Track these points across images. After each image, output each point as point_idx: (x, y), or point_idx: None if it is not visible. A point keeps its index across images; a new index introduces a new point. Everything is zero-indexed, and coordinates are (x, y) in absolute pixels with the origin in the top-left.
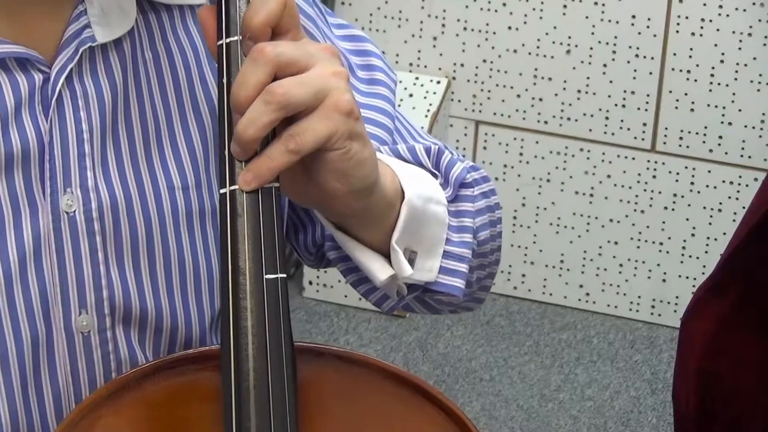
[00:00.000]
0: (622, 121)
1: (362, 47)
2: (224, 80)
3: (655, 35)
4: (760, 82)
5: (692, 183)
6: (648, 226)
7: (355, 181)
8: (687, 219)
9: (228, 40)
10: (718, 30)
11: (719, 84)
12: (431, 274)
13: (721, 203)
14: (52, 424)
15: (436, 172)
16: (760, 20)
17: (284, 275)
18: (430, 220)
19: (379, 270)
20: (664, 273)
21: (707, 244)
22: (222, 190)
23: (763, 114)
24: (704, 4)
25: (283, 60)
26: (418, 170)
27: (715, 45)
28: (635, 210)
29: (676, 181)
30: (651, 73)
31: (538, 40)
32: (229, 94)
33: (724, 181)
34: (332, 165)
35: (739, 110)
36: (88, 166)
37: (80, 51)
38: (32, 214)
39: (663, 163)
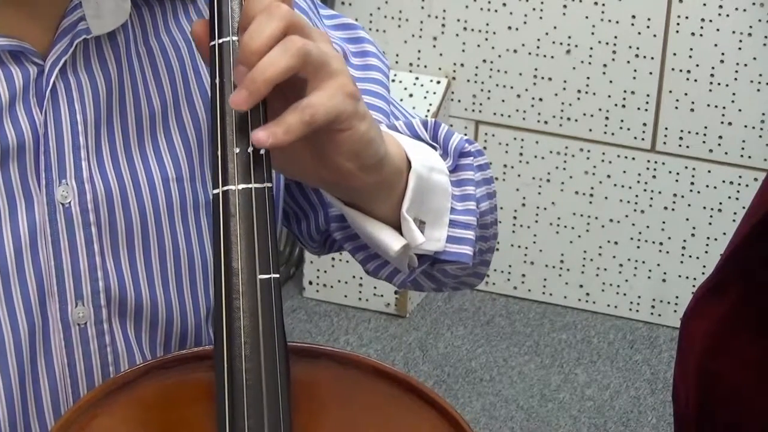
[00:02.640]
0: (622, 121)
1: (355, 35)
2: (216, 80)
3: (655, 35)
4: (760, 82)
5: (692, 183)
6: (648, 226)
7: (366, 158)
8: (687, 219)
9: (221, 41)
10: (718, 30)
11: (719, 84)
12: (440, 244)
13: (721, 203)
14: (48, 415)
15: (435, 144)
16: (760, 20)
17: (277, 275)
18: (435, 190)
19: (392, 241)
20: (664, 273)
21: (707, 244)
22: (215, 191)
23: (763, 114)
24: (704, 4)
25: (295, 20)
26: (417, 142)
27: (715, 45)
28: (635, 210)
29: (676, 181)
30: (651, 73)
31: (538, 40)
32: (222, 94)
33: (724, 181)
34: (343, 147)
35: (739, 110)
36: (83, 157)
37: (74, 43)
38: (28, 206)
39: (663, 163)
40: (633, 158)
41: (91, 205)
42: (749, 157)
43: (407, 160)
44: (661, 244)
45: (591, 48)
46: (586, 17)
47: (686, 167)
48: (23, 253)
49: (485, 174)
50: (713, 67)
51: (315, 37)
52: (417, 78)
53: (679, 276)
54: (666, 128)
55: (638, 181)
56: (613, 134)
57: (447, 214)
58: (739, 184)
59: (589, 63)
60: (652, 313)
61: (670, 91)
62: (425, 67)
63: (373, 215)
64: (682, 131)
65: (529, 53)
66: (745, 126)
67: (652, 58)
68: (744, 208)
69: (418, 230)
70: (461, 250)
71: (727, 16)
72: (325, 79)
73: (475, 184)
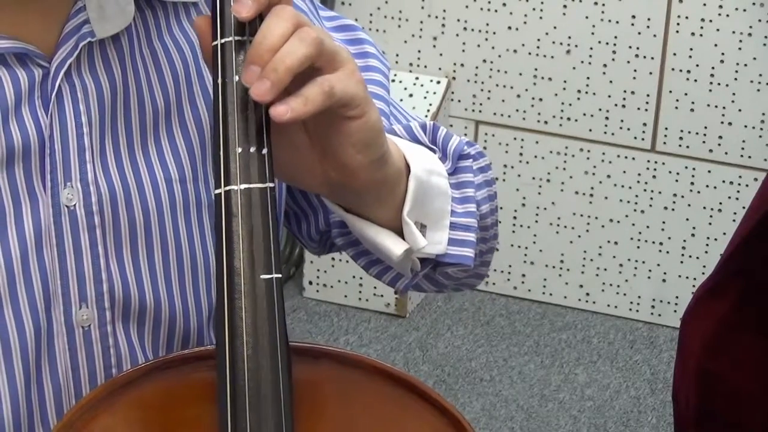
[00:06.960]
0: (622, 121)
1: (355, 36)
2: (219, 81)
3: (655, 35)
4: (760, 82)
5: (692, 183)
6: (648, 226)
7: (375, 149)
8: (687, 219)
9: (223, 41)
10: (718, 30)
11: (719, 84)
12: (441, 247)
13: (721, 203)
14: (52, 418)
15: (434, 147)
16: (760, 20)
17: (279, 275)
18: (435, 193)
19: (394, 246)
20: (664, 273)
21: (707, 244)
22: (217, 191)
23: (763, 114)
24: (704, 4)
25: (301, 19)
26: (416, 146)
27: (715, 45)
28: (635, 210)
29: (676, 181)
30: (651, 73)
31: (538, 40)
32: (225, 94)
33: (724, 181)
34: (355, 136)
35: (739, 110)
36: (87, 159)
37: (80, 46)
38: (33, 208)
39: (663, 163)
40: (633, 158)
41: (96, 207)
42: (749, 157)
43: (406, 164)
44: (661, 244)
45: (591, 48)
46: (586, 17)
47: (686, 167)
48: (29, 256)
49: (486, 176)
50: (713, 67)
51: (320, 33)
52: (417, 78)
53: (679, 276)
54: (666, 128)
55: (638, 181)
56: (613, 134)
57: (447, 216)
58: (739, 184)
59: (589, 63)
60: (652, 313)
61: (670, 91)
62: (425, 67)
63: (373, 221)
64: (682, 131)
65: (529, 53)
66: (745, 126)
67: (652, 58)
68: (744, 208)
69: (420, 234)
70: (463, 252)
71: (727, 16)
72: (338, 66)
73: (475, 187)
